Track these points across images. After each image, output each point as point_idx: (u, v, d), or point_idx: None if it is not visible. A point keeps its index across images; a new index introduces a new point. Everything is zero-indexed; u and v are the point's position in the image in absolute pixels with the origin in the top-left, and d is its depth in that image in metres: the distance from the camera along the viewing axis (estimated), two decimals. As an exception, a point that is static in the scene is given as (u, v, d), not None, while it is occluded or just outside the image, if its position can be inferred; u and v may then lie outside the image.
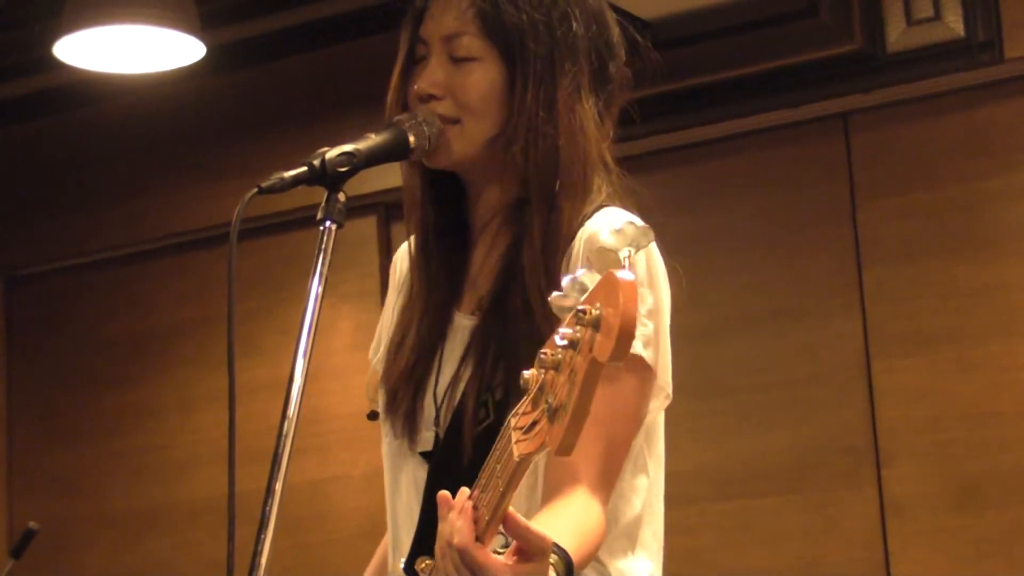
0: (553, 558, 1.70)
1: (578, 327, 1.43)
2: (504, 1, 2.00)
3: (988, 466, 4.15)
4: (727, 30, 4.29)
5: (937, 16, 4.19)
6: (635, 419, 1.97)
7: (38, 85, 5.26)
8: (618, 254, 1.46)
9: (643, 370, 1.95)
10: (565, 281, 1.47)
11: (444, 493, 1.72)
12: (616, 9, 2.12)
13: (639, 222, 1.49)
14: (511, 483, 1.60)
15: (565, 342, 1.46)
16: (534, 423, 1.52)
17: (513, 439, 1.57)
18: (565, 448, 1.48)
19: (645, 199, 2.06)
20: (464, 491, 1.70)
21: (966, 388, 4.20)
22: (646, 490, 2.00)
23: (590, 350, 1.42)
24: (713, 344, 4.43)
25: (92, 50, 4.27)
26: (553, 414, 1.48)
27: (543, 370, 1.50)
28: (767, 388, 4.42)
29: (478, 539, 1.65)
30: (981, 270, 4.23)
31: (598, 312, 1.42)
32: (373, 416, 2.12)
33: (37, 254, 5.58)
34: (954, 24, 4.18)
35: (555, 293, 1.48)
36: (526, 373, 1.53)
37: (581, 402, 1.45)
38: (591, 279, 1.45)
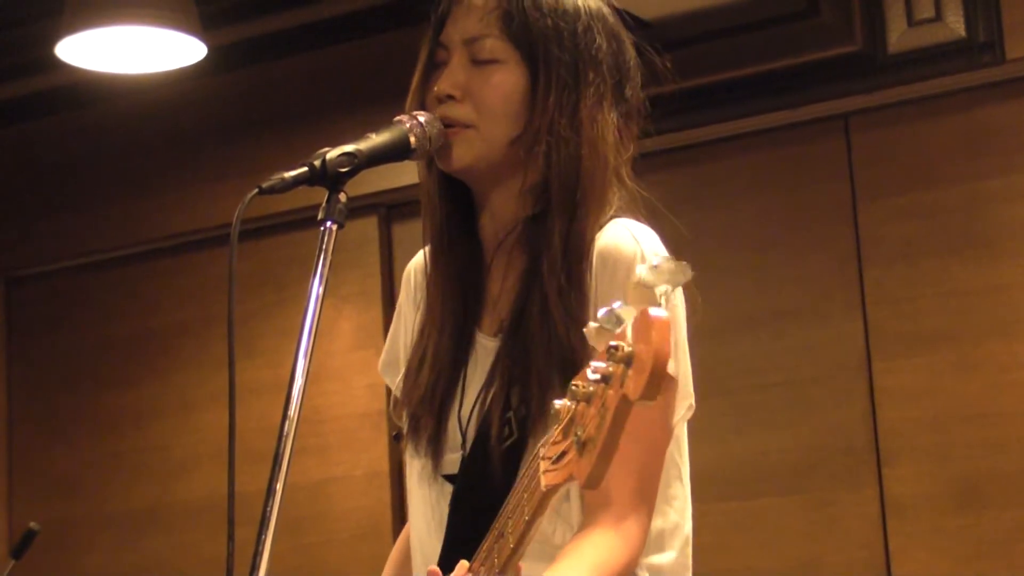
0: None
1: (611, 362, 1.43)
2: (529, 7, 2.00)
3: (988, 466, 4.14)
4: (728, 31, 4.28)
5: (938, 17, 4.19)
6: (665, 431, 1.99)
7: (39, 85, 5.26)
8: (655, 291, 1.46)
9: (667, 381, 1.95)
10: (601, 313, 1.46)
11: (433, 568, 1.73)
12: (616, 11, 2.12)
13: (673, 259, 1.48)
14: (537, 511, 1.61)
15: (597, 376, 1.45)
16: (563, 453, 1.52)
17: (541, 468, 1.57)
18: (593, 481, 1.47)
19: (656, 210, 2.06)
20: (463, 564, 1.71)
21: (967, 388, 4.19)
22: (682, 499, 2.01)
23: (621, 386, 1.42)
24: (714, 344, 4.42)
25: (93, 50, 4.27)
26: (582, 447, 1.48)
27: (574, 401, 1.49)
28: (768, 388, 4.42)
29: (502, 572, 1.66)
30: (981, 270, 4.23)
31: (631, 349, 1.41)
32: (398, 438, 2.11)
33: (37, 255, 5.58)
34: (955, 25, 4.18)
35: (591, 323, 1.47)
36: (557, 403, 1.52)
37: (611, 437, 1.45)
38: (627, 313, 1.44)
